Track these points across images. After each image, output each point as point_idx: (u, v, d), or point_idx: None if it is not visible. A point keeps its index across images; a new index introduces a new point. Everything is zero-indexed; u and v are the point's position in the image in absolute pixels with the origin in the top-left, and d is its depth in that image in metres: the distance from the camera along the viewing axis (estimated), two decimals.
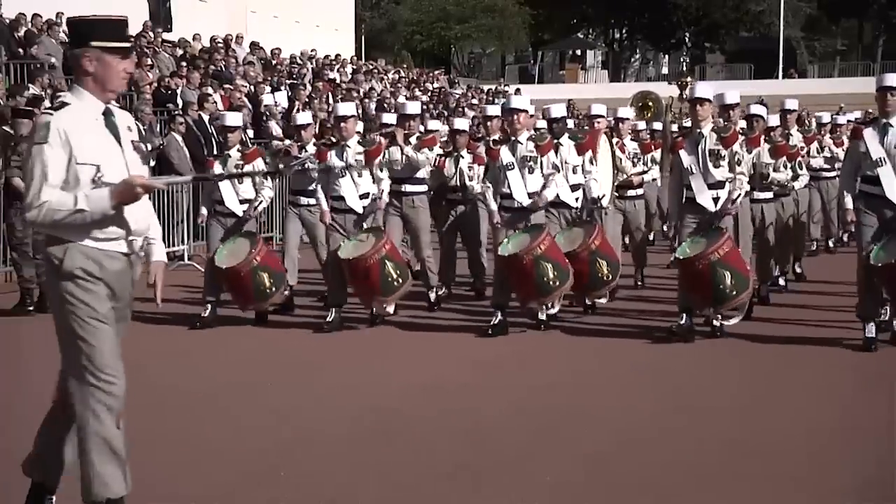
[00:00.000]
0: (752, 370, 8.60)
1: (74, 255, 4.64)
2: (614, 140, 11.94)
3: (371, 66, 34.19)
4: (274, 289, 10.57)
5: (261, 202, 11.01)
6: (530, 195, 10.05)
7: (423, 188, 11.63)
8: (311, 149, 11.41)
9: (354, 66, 32.97)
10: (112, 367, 4.64)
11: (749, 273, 9.63)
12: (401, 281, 10.25)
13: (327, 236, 10.84)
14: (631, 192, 12.58)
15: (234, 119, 11.40)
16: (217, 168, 10.93)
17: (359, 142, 10.73)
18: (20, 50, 19.25)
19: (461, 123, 12.85)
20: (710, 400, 7.57)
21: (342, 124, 10.70)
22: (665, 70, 64.03)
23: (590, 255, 9.99)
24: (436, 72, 39.89)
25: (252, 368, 8.98)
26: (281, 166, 11.47)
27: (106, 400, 4.61)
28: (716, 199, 9.56)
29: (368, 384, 8.21)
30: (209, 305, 10.81)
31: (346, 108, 10.99)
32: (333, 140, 11.23)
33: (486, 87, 40.91)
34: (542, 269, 9.60)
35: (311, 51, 31.67)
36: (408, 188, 11.43)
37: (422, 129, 13.00)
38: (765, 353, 9.17)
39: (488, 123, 12.64)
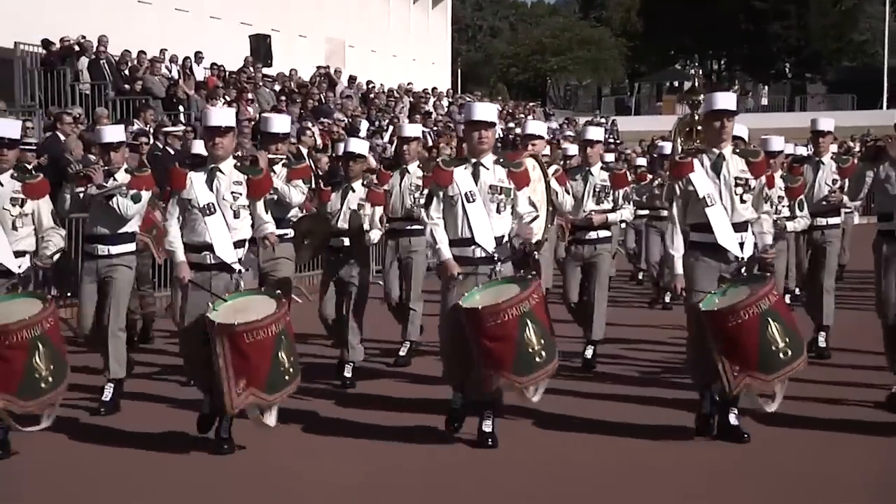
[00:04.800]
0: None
1: None
2: (553, 169, 8.99)
3: (467, 99, 34.36)
4: (51, 382, 6.75)
5: (49, 245, 7.55)
6: (499, 240, 7.19)
7: (290, 233, 8.84)
8: (121, 177, 8.38)
9: (451, 99, 33.16)
10: None
11: (802, 334, 7.25)
12: (291, 374, 6.95)
13: (182, 302, 7.60)
14: (592, 235, 9.74)
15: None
16: None
17: (236, 166, 7.40)
18: (126, 86, 19.79)
19: (358, 145, 9.65)
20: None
21: (217, 139, 7.26)
22: (765, 101, 63.13)
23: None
24: (531, 104, 39.90)
25: None
26: (70, 192, 8.38)
27: None
28: (740, 245, 7.13)
29: None
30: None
31: (222, 116, 7.44)
32: (196, 161, 8.49)
33: (581, 119, 40.80)
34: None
35: (408, 84, 31.95)
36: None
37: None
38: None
39: (404, 147, 10.29)
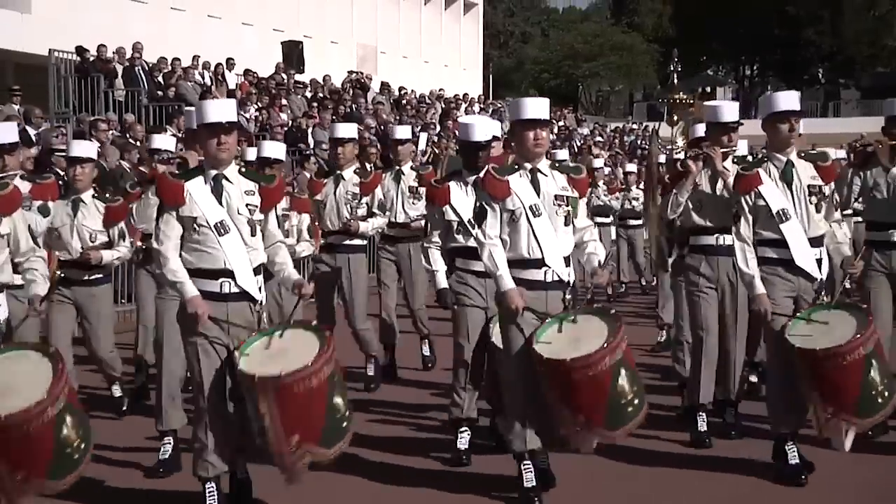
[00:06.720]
0: None
1: None
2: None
3: (499, 105, 34.35)
4: (83, 448, 5.43)
5: (37, 277, 6.11)
6: (567, 260, 6.13)
7: None
8: (20, 184, 6.72)
9: (482, 105, 33.17)
10: None
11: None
12: (348, 419, 5.69)
13: (191, 344, 5.83)
14: None
15: None
16: None
17: (241, 171, 5.95)
18: (159, 93, 19.94)
19: (274, 149, 8.51)
20: None
21: (222, 137, 5.73)
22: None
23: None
24: (563, 110, 39.81)
25: None
26: None
27: None
28: (818, 262, 6.48)
29: None
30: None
31: (225, 110, 5.77)
32: (187, 166, 6.87)
33: (613, 125, 40.71)
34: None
35: (440, 90, 31.99)
36: None
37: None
38: None
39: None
